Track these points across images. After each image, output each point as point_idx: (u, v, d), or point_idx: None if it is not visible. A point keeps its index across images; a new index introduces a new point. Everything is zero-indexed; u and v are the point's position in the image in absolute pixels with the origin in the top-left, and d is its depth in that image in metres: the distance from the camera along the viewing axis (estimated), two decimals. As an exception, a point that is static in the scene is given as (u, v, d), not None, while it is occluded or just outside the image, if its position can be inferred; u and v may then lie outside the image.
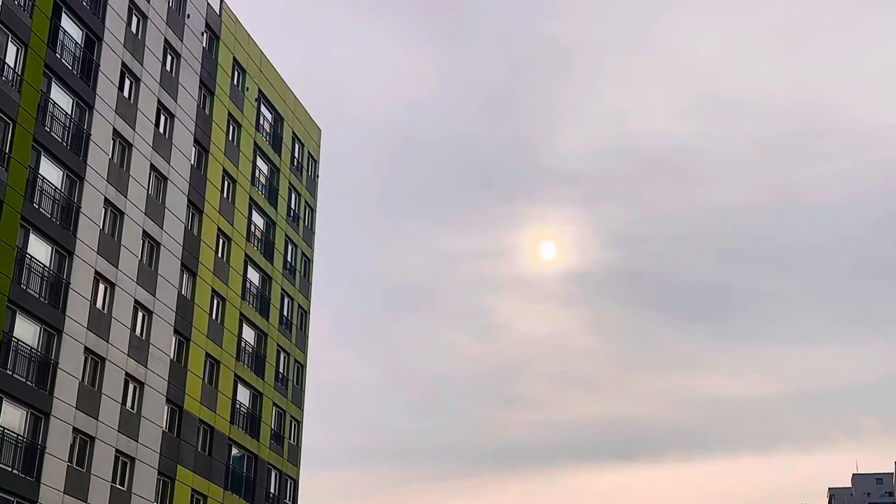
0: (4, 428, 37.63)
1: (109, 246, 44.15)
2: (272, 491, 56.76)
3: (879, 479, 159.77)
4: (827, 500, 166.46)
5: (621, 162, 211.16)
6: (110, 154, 44.91)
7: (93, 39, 44.57)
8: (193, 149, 51.60)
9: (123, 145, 46.02)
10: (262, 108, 59.84)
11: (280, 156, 61.29)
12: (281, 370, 59.21)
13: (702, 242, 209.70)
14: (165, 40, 49.56)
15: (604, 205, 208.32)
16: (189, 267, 49.99)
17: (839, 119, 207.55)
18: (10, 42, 39.55)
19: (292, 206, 62.65)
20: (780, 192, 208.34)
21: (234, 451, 53.32)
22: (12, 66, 39.56)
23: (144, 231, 46.61)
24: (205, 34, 53.64)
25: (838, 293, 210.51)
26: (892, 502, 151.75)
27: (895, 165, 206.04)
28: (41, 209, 40.41)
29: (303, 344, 62.42)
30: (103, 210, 44.25)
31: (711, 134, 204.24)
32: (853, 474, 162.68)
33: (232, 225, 54.50)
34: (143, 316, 46.21)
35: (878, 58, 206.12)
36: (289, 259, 61.54)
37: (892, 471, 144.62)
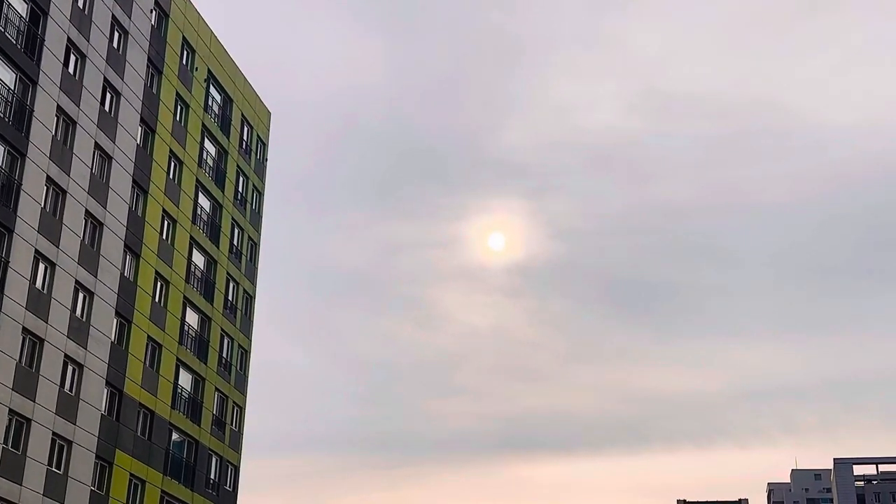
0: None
1: (50, 225, 43.39)
2: (213, 477, 56.30)
3: (818, 475, 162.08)
4: (766, 494, 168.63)
5: (568, 155, 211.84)
6: (53, 131, 44.13)
7: (38, 13, 43.71)
8: (139, 128, 50.90)
9: (67, 122, 45.23)
10: (211, 89, 59.16)
11: (228, 138, 60.68)
12: (224, 355, 58.71)
13: (647, 238, 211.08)
14: (113, 16, 48.74)
15: (550, 198, 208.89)
16: (132, 248, 49.32)
17: (785, 119, 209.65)
18: (-49, 13, 38.64)
19: (240, 190, 62.07)
20: (725, 191, 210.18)
21: (175, 436, 52.78)
22: (-46, 37, 38.66)
23: (87, 210, 45.88)
24: (154, 12, 52.85)
25: (781, 292, 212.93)
26: (830, 498, 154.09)
27: (841, 166, 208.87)
28: (-19, 185, 39.57)
29: (247, 329, 61.91)
30: (45, 188, 43.48)
31: (658, 130, 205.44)
32: (792, 470, 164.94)
33: (177, 207, 53.86)
34: (84, 297, 45.51)
35: (826, 58, 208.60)
36: (235, 243, 60.98)
37: (830, 467, 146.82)
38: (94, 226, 46.72)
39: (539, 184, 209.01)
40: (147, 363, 50.26)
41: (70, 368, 44.26)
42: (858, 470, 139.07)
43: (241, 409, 60.60)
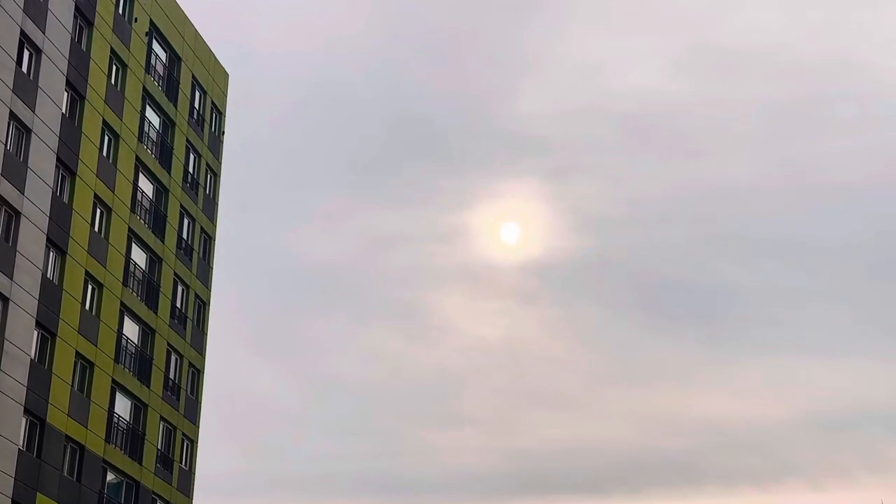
0: None
1: (-45, 214, 43.32)
2: (157, 527, 56.31)
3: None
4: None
5: (597, 127, 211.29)
6: (-42, 97, 44.03)
7: (-62, -50, 43.56)
8: (65, 94, 50.78)
9: (-25, 86, 45.16)
10: (155, 45, 59.06)
11: (176, 106, 60.57)
12: (171, 376, 58.63)
13: (696, 229, 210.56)
14: (32, -45, 48.64)
15: (575, 179, 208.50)
16: (57, 244, 49.20)
17: (869, 81, 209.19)
18: None
19: (190, 170, 61.98)
20: (794, 170, 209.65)
21: (110, 477, 52.73)
22: None
23: (1, 197, 45.74)
24: (83, -51, 52.75)
25: (863, 295, 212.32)
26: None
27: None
28: None
29: (200, 344, 61.82)
30: (-52, 168, 43.42)
31: (710, 95, 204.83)
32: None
33: (113, 192, 53.75)
34: (-3, 304, 45.43)
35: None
36: (184, 236, 60.89)
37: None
38: (10, 215, 46.56)
39: (561, 162, 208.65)
40: (76, 386, 50.13)
41: (-21, 393, 44.17)
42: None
43: (193, 442, 60.48)
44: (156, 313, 57.18)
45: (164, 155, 59.21)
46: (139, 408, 55.43)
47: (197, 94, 63.58)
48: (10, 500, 45.08)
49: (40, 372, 47.62)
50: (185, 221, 61.34)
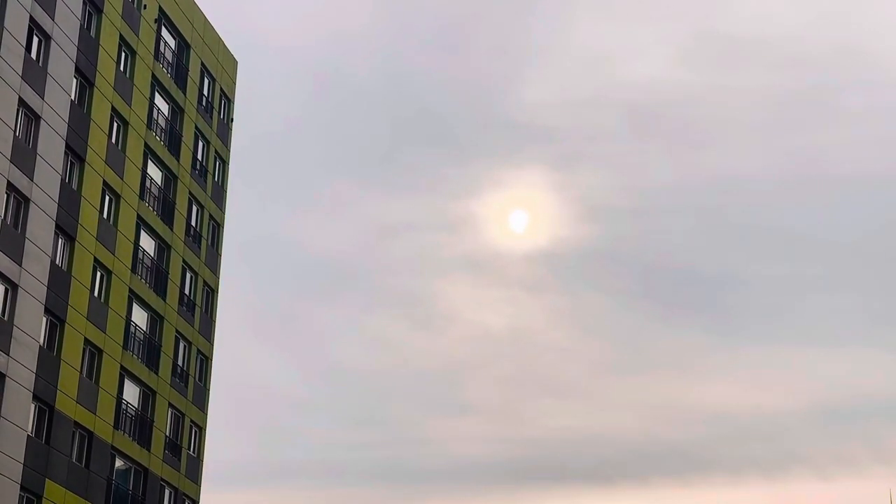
0: None
1: (-36, 200, 43.31)
2: (165, 514, 56.36)
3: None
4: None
5: (604, 116, 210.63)
6: (-32, 83, 44.01)
7: (-52, -64, 43.50)
8: (74, 80, 50.72)
9: (-15, 73, 45.11)
10: (164, 32, 58.99)
11: (185, 93, 60.50)
12: (180, 363, 58.66)
13: (702, 219, 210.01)
14: (41, -59, 48.57)
15: (581, 168, 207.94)
16: (66, 230, 49.19)
17: (876, 71, 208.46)
18: None
19: (199, 157, 61.92)
20: (800, 160, 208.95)
21: (119, 464, 52.78)
22: None
23: (10, 183, 45.73)
24: (92, -65, 52.69)
25: (870, 285, 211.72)
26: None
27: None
28: None
29: (208, 331, 61.82)
30: (-43, 154, 43.40)
31: (717, 84, 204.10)
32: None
33: (122, 179, 53.71)
34: (6, 290, 45.40)
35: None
36: (193, 224, 60.85)
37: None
38: (19, 202, 46.53)
39: (568, 151, 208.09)
40: (84, 373, 50.16)
41: (-11, 379, 44.19)
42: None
43: (201, 429, 60.51)
44: (164, 300, 57.18)
45: (173, 142, 59.16)
46: (147, 394, 55.46)
47: (206, 81, 63.52)
48: (18, 486, 45.14)
49: (49, 358, 47.65)
50: (194, 209, 61.32)
